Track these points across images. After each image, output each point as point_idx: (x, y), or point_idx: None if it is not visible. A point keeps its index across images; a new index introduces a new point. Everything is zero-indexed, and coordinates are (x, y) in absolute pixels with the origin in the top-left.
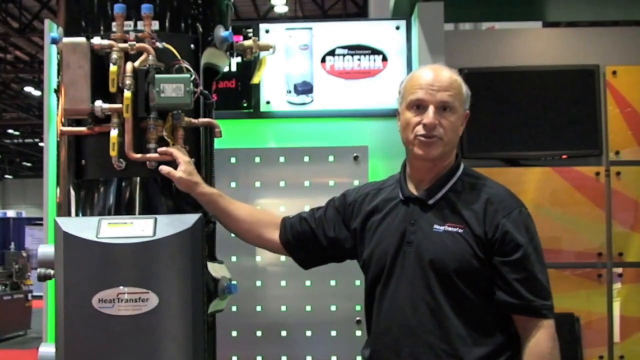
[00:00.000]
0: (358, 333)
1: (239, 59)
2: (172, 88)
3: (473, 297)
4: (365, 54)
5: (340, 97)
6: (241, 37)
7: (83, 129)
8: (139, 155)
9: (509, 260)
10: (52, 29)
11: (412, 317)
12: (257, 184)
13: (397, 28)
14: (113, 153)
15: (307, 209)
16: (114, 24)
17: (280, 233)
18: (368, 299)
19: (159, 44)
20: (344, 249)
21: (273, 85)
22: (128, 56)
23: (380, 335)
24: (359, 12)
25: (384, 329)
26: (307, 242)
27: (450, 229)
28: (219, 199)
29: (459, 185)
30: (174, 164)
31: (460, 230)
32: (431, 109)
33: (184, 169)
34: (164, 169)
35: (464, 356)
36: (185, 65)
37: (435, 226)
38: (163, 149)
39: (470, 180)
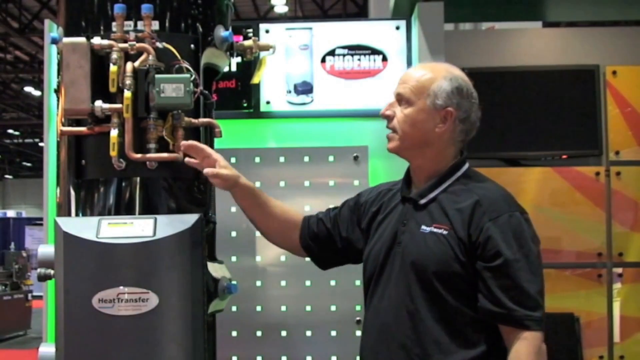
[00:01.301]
0: (358, 333)
1: (239, 59)
2: (172, 88)
3: (454, 302)
4: (365, 54)
5: (340, 97)
6: (241, 37)
7: (83, 129)
8: (139, 155)
9: (491, 266)
10: (52, 29)
11: (392, 319)
12: (257, 184)
13: (397, 28)
14: (113, 153)
15: (307, 209)
16: (114, 24)
17: (300, 235)
18: (365, 297)
19: (159, 44)
20: (357, 250)
21: (273, 85)
22: (128, 56)
23: (364, 334)
24: (359, 12)
25: (368, 328)
26: (323, 242)
27: (435, 230)
28: (260, 193)
29: (455, 186)
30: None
31: (445, 232)
32: (390, 101)
33: (223, 164)
34: (209, 171)
35: None
36: (185, 65)
37: (423, 227)
38: (187, 143)
39: (468, 182)
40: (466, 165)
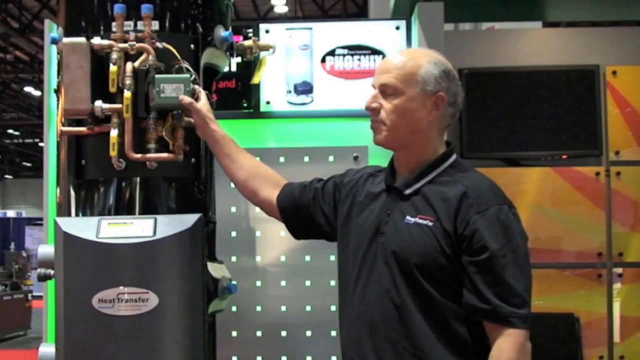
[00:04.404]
0: None
1: (239, 59)
2: (172, 88)
3: (438, 296)
4: (365, 54)
5: (340, 97)
6: (241, 37)
7: (83, 129)
8: (139, 155)
9: (476, 260)
10: (52, 29)
11: (377, 311)
12: None
13: (397, 28)
14: (113, 153)
15: None
16: (114, 24)
17: (278, 194)
18: (342, 286)
19: (159, 44)
20: (335, 228)
21: (273, 85)
22: (128, 56)
23: (344, 325)
24: (359, 12)
25: (349, 320)
26: (301, 210)
27: (420, 221)
28: (228, 142)
29: (442, 177)
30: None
31: (430, 223)
32: (374, 92)
33: (204, 102)
34: (186, 99)
35: (426, 357)
36: (185, 65)
37: (407, 217)
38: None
39: (455, 173)
40: (454, 156)
